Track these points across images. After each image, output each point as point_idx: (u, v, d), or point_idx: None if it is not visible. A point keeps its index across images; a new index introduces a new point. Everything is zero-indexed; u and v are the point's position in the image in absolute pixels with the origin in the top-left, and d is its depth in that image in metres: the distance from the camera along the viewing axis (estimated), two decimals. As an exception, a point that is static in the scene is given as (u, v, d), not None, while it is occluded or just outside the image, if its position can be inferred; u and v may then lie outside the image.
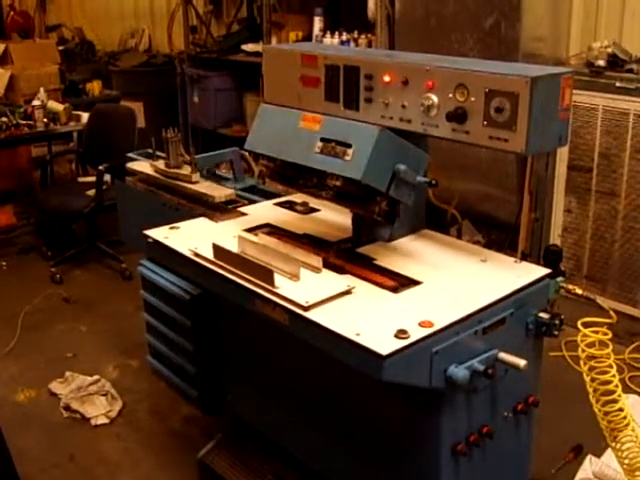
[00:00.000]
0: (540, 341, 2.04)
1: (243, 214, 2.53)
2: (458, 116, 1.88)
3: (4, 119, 5.05)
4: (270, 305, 1.87)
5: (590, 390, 1.99)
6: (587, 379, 1.97)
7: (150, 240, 2.33)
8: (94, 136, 5.12)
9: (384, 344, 1.61)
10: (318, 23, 5.04)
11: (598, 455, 2.67)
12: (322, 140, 1.99)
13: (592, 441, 2.64)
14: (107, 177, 4.58)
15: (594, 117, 3.59)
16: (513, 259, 2.10)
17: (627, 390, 3.24)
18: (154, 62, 6.85)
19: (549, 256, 2.03)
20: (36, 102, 5.22)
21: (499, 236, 4.40)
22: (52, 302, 4.36)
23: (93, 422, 3.20)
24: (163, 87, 6.54)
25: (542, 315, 1.96)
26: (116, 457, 2.99)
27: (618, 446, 2.09)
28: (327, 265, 2.03)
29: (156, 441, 3.09)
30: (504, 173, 4.02)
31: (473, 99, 1.86)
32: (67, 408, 3.26)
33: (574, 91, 3.63)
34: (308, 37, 5.16)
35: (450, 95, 1.90)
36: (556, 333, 1.97)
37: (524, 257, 2.12)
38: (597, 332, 1.91)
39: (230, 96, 5.99)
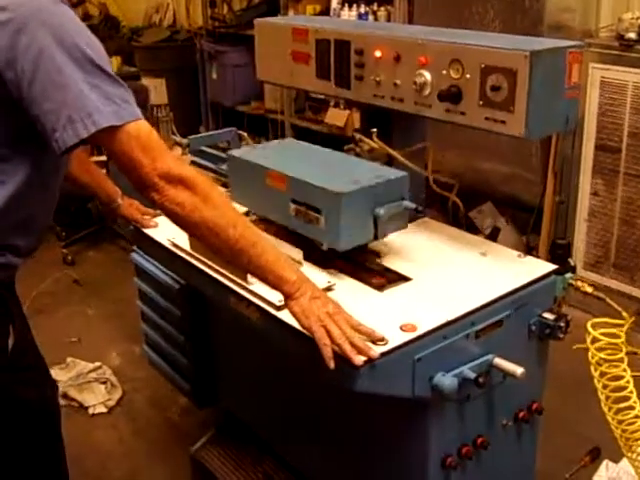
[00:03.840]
0: (545, 343, 1.86)
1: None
2: (452, 95, 1.69)
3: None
4: (244, 302, 1.72)
5: (602, 397, 1.82)
6: (599, 386, 1.80)
7: (132, 227, 2.21)
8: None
9: (358, 351, 1.44)
10: (336, -5, 4.83)
11: (616, 460, 2.48)
12: (293, 202, 1.82)
13: (612, 444, 2.44)
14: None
15: (623, 94, 3.32)
16: (516, 253, 1.91)
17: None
18: (177, 37, 6.69)
19: (556, 250, 1.84)
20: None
21: (523, 219, 4.19)
22: (62, 284, 4.27)
23: (91, 411, 3.11)
24: (185, 63, 6.38)
25: (546, 316, 1.78)
26: (109, 448, 2.90)
27: (634, 456, 1.91)
28: (311, 258, 1.87)
29: (152, 432, 2.98)
30: (527, 152, 3.79)
31: (468, 76, 1.67)
32: (64, 396, 3.17)
33: (601, 66, 3.37)
34: (326, 10, 4.95)
35: (444, 72, 1.72)
36: (561, 336, 1.78)
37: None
38: (611, 335, 1.74)
39: (248, 72, 5.76)
